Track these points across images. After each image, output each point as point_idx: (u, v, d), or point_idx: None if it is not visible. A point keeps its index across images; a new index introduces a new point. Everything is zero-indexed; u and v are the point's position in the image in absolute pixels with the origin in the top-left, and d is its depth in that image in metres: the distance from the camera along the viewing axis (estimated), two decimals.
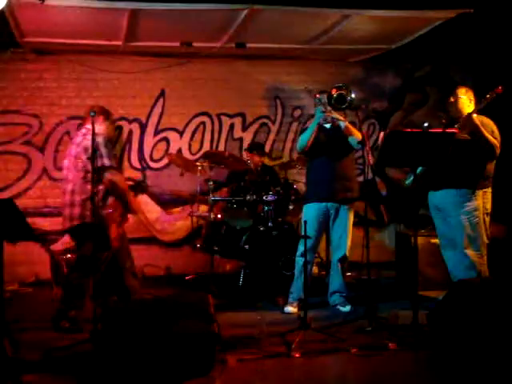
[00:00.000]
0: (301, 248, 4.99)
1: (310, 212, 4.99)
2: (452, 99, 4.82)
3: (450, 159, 4.34)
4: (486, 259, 4.78)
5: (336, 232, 5.03)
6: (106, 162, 4.34)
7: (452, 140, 4.27)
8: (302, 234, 4.96)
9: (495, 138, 4.68)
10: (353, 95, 4.70)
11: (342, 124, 4.91)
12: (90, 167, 4.15)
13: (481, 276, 4.66)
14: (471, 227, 4.70)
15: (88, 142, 4.21)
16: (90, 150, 4.13)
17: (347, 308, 4.98)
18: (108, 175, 4.35)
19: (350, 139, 4.93)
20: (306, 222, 4.43)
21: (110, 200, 4.46)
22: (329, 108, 4.81)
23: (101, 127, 4.49)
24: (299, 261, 4.99)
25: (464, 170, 4.72)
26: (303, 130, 5.27)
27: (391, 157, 4.35)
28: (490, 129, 4.70)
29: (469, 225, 4.70)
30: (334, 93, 4.70)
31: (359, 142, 4.81)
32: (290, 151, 7.27)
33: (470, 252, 4.70)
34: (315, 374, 3.63)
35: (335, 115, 4.86)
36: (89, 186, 4.22)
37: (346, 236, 5.00)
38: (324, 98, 4.86)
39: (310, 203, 5.04)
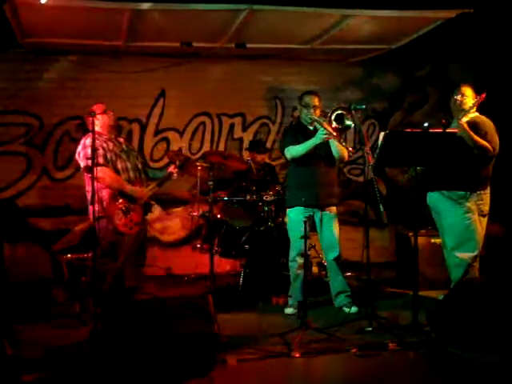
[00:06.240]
0: (292, 253, 4.99)
1: (296, 216, 4.91)
2: (456, 97, 4.78)
3: (445, 160, 4.33)
4: (478, 261, 4.75)
5: (325, 235, 5.00)
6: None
7: (453, 140, 4.28)
8: (293, 236, 4.98)
9: (489, 140, 4.62)
10: (349, 122, 4.64)
11: (333, 145, 4.86)
12: None
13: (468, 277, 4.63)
14: (462, 229, 4.67)
15: None
16: None
17: (354, 309, 4.88)
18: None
19: (335, 154, 4.90)
20: (305, 222, 4.44)
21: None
22: (315, 115, 4.82)
23: None
24: (293, 265, 4.98)
25: (457, 171, 4.70)
26: (286, 131, 5.38)
27: (391, 157, 4.35)
28: (483, 131, 4.64)
29: (459, 226, 4.67)
30: (337, 109, 4.66)
31: (344, 160, 4.99)
32: None
33: (459, 254, 4.68)
34: (315, 374, 3.64)
35: (329, 130, 4.67)
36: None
37: (336, 236, 4.99)
38: (315, 102, 4.89)
39: (294, 207, 5.00)
